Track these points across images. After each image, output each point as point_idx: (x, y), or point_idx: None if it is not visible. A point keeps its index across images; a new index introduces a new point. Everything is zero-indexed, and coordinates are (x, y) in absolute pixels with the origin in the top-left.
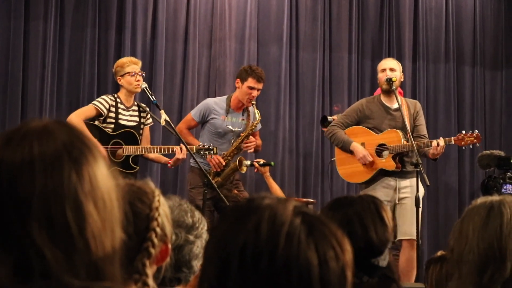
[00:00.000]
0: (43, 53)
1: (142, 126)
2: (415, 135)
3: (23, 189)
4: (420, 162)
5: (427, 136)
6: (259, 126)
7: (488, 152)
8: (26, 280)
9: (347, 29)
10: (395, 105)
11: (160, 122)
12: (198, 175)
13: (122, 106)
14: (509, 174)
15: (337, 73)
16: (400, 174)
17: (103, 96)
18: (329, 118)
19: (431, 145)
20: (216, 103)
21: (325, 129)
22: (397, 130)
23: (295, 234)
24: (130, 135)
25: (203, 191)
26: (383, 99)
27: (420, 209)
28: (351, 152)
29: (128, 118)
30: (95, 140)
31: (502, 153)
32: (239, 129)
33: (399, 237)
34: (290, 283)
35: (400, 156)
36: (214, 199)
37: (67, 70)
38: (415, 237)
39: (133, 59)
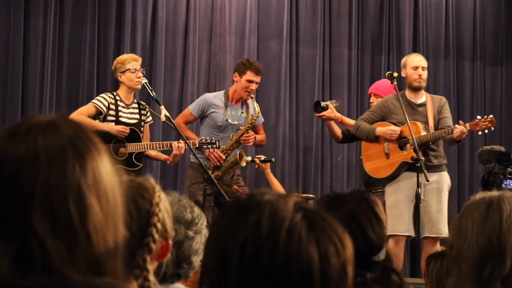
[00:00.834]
0: (43, 48)
1: (142, 123)
2: (440, 127)
3: (27, 180)
4: (422, 158)
5: (452, 127)
6: (261, 119)
7: (488, 147)
8: (26, 273)
9: (347, 25)
10: (419, 101)
11: (160, 118)
12: (198, 170)
13: (122, 104)
14: (509, 169)
15: (337, 69)
16: (426, 169)
17: (102, 94)
18: (322, 103)
19: (452, 132)
20: (215, 97)
21: (318, 114)
22: (417, 122)
23: (296, 230)
24: (133, 133)
25: (203, 186)
26: (408, 95)
27: (446, 202)
28: (377, 138)
29: (129, 115)
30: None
31: (502, 149)
32: (238, 122)
33: (424, 234)
34: (291, 279)
35: (423, 149)
36: (215, 194)
37: (67, 65)
38: (441, 235)
39: (133, 56)
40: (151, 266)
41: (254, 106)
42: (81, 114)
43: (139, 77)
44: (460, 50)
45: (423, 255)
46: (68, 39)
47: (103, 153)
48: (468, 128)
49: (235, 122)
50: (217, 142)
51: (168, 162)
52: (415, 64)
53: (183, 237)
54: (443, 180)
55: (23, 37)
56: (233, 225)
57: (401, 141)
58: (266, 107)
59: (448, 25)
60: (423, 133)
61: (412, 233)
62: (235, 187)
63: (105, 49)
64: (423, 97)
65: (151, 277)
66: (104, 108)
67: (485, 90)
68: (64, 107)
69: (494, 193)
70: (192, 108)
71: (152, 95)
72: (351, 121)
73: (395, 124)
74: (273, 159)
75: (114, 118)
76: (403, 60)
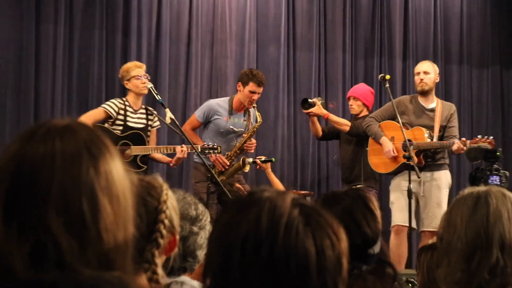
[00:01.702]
0: (54, 53)
1: (149, 128)
2: (446, 135)
3: (43, 180)
4: (412, 156)
5: (457, 137)
6: None
7: (475, 145)
8: (41, 267)
9: (341, 30)
10: (430, 106)
11: (165, 121)
12: (202, 170)
13: (130, 109)
14: (495, 166)
15: (332, 72)
16: (426, 167)
17: (113, 100)
18: (310, 100)
19: (451, 146)
20: (219, 104)
21: (305, 111)
22: (423, 128)
23: (294, 225)
24: (138, 136)
25: (207, 185)
26: (420, 99)
27: (446, 198)
28: (380, 144)
29: (136, 120)
30: None
31: (489, 147)
32: (241, 129)
33: (422, 229)
34: (289, 271)
35: (425, 153)
36: (218, 192)
37: (77, 70)
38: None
39: (137, 63)
40: (159, 260)
41: (256, 115)
42: (90, 119)
43: (144, 83)
44: (448, 54)
45: (418, 247)
46: (78, 45)
47: (115, 157)
48: (468, 145)
49: (238, 129)
50: (218, 147)
51: (171, 164)
52: (417, 70)
53: (188, 232)
54: (443, 178)
55: (35, 43)
56: (235, 220)
57: (405, 143)
58: (265, 109)
59: (436, 30)
60: (427, 139)
61: (414, 224)
62: (237, 185)
63: (112, 54)
64: (434, 102)
65: (159, 271)
66: (114, 113)
67: (472, 92)
68: (74, 110)
69: (482, 188)
70: (197, 115)
71: (157, 98)
72: (337, 118)
73: (404, 124)
74: (273, 159)
75: (122, 123)
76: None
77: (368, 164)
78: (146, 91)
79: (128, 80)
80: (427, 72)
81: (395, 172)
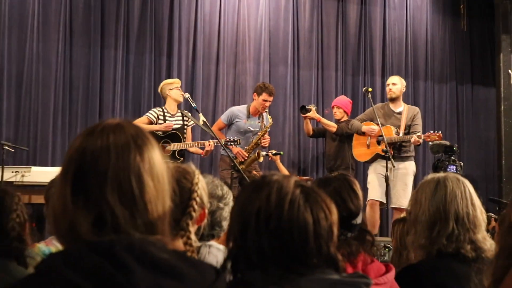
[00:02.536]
0: (114, 72)
1: (185, 127)
2: (411, 131)
3: (101, 165)
4: (388, 149)
5: (420, 133)
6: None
7: (437, 142)
8: (101, 232)
9: (334, 53)
10: (398, 109)
11: (198, 123)
12: (227, 161)
13: (168, 114)
14: (452, 158)
15: (327, 86)
16: (396, 158)
17: (153, 109)
18: (307, 107)
19: (410, 139)
20: (239, 110)
21: (304, 115)
22: (391, 127)
23: (296, 201)
24: (175, 135)
25: (231, 172)
26: (390, 105)
27: (410, 183)
28: (363, 133)
29: (174, 122)
30: None
31: (447, 143)
32: (256, 129)
33: (391, 205)
34: (293, 237)
35: (393, 145)
36: (239, 177)
37: (132, 85)
38: (404, 207)
39: (176, 79)
40: (193, 229)
41: (267, 118)
42: (138, 123)
43: (182, 93)
44: (416, 72)
45: (392, 221)
46: (133, 65)
47: (156, 147)
48: (422, 139)
49: (254, 129)
50: (238, 140)
51: (202, 155)
52: (387, 82)
53: (215, 207)
54: (409, 167)
55: (100, 64)
56: (251, 198)
57: (378, 138)
58: (276, 115)
59: (407, 54)
60: (394, 135)
61: (384, 200)
62: (254, 172)
63: (159, 72)
64: (401, 107)
65: (193, 236)
66: (154, 119)
67: (434, 102)
68: (129, 115)
69: (441, 174)
70: (223, 118)
71: (193, 105)
72: (327, 121)
73: (378, 125)
74: (281, 152)
75: None
76: None
77: (347, 156)
78: (182, 99)
79: (171, 89)
80: (395, 83)
81: (371, 161)
